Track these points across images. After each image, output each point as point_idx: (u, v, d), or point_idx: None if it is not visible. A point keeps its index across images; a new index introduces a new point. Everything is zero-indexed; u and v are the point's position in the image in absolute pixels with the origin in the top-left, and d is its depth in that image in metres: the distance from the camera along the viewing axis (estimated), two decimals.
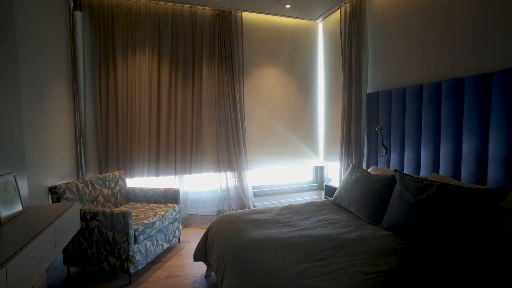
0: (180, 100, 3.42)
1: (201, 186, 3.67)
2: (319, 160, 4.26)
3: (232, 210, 3.54)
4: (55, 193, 2.31)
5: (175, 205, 2.89)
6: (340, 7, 3.50)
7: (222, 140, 3.58)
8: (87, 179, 2.68)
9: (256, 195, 4.02)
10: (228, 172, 3.63)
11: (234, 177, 3.65)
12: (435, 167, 2.40)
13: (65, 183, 2.42)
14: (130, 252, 2.18)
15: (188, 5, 3.42)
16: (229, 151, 3.60)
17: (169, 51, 3.38)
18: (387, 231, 1.96)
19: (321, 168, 4.36)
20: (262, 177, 4.18)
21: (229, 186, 3.65)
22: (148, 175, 3.36)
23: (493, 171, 1.98)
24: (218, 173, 3.61)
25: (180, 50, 3.41)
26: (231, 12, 3.55)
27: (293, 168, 4.22)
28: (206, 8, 3.48)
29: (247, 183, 3.70)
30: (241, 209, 3.62)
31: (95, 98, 3.16)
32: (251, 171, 3.90)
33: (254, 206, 3.76)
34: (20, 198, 1.62)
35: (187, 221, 3.56)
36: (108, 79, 3.18)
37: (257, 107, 3.89)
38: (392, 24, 2.90)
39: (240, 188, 3.66)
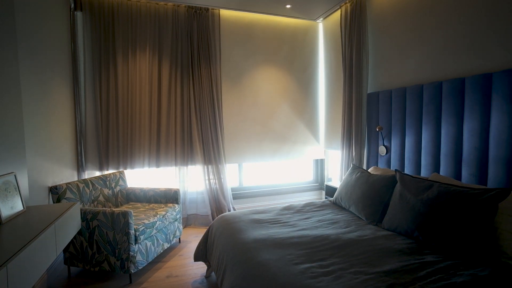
0: (179, 97, 3.41)
1: (198, 185, 3.65)
2: (319, 149, 4.25)
3: (214, 212, 3.53)
4: (56, 193, 2.32)
5: (176, 205, 2.89)
6: (340, 7, 3.49)
7: (203, 138, 3.51)
8: (87, 179, 2.68)
9: (255, 195, 4.01)
10: (209, 169, 3.55)
11: (214, 179, 3.58)
12: (436, 167, 2.40)
13: (66, 183, 2.43)
14: (130, 252, 2.19)
15: (184, 5, 3.40)
16: (209, 154, 3.53)
17: (169, 50, 3.37)
18: (388, 231, 1.95)
19: (322, 166, 4.35)
20: (261, 177, 4.18)
21: (212, 187, 3.59)
22: (149, 166, 3.37)
23: (493, 171, 1.98)
24: (203, 166, 3.53)
25: (178, 49, 3.40)
26: (208, 9, 3.48)
27: (292, 160, 4.19)
28: (192, 6, 3.45)
29: (226, 185, 3.62)
30: (220, 211, 3.58)
31: (96, 97, 3.16)
32: (250, 170, 3.87)
33: (234, 208, 3.70)
34: (21, 198, 1.62)
35: (187, 221, 3.56)
36: (108, 79, 3.19)
37: (254, 103, 3.87)
38: (393, 24, 2.90)
39: (220, 190, 3.59)
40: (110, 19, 3.17)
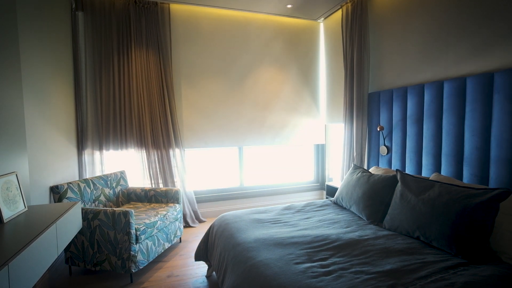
0: (148, 91, 3.36)
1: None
2: (321, 129, 4.24)
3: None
4: (57, 193, 2.32)
5: (176, 204, 2.90)
6: (341, 7, 3.49)
7: (153, 138, 3.39)
8: (88, 178, 2.69)
9: (255, 195, 4.01)
10: (154, 157, 3.39)
11: (161, 171, 3.40)
12: (437, 167, 2.39)
13: (67, 183, 2.43)
14: (131, 252, 2.19)
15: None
16: (158, 139, 3.38)
17: (155, 45, 3.35)
18: (388, 231, 1.95)
19: (323, 166, 4.35)
20: (261, 176, 4.18)
21: (157, 182, 3.43)
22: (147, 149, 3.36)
23: (495, 171, 1.97)
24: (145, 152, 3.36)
25: (160, 43, 3.38)
26: (157, 3, 3.34)
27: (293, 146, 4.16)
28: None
29: (184, 189, 3.51)
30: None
31: (96, 97, 3.18)
32: (250, 169, 3.84)
33: (196, 213, 3.55)
34: (22, 198, 1.63)
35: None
36: (108, 78, 3.20)
37: (253, 97, 3.88)
38: (394, 23, 2.89)
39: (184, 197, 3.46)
40: (110, 19, 3.17)
